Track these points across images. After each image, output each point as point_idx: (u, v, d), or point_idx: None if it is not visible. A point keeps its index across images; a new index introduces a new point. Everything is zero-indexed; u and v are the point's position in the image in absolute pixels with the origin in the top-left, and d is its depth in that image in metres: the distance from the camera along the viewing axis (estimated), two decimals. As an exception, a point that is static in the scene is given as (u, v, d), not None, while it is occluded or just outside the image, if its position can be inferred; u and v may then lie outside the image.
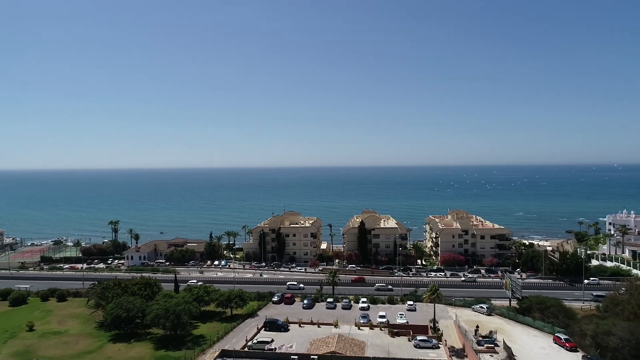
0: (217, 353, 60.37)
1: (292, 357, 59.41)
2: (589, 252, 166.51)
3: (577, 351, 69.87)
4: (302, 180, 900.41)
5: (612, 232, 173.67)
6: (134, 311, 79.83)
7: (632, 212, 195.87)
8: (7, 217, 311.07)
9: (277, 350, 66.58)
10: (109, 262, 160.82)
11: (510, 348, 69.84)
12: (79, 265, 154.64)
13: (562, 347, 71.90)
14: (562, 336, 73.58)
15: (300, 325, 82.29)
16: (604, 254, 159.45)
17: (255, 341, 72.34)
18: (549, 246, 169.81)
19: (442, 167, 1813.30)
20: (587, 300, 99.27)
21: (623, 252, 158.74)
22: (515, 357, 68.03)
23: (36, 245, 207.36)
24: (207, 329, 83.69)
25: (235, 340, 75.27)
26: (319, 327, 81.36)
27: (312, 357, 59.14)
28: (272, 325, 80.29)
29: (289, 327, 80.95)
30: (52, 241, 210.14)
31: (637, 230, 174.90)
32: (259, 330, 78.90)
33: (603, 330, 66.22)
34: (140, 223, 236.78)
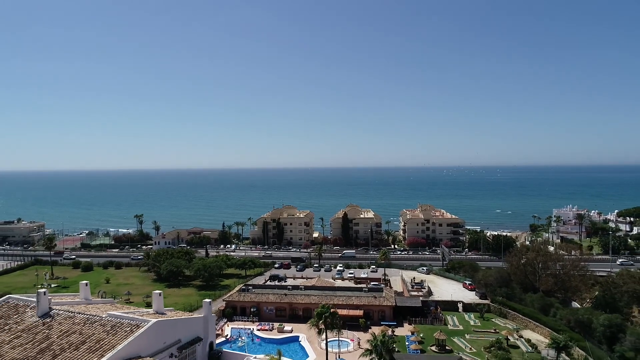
0: (241, 286, 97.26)
1: (288, 286, 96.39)
2: (532, 238, 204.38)
3: (474, 290, 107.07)
4: (298, 181, 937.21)
5: (552, 223, 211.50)
6: (181, 267, 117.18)
7: (575, 206, 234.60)
8: (36, 211, 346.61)
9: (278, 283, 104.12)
10: (139, 246, 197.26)
11: (430, 288, 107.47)
12: (114, 250, 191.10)
13: (466, 288, 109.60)
14: (468, 282, 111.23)
15: (294, 279, 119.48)
16: (545, 240, 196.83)
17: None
18: (512, 236, 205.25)
19: (439, 167, 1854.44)
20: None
21: (558, 239, 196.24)
22: (433, 294, 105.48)
23: (70, 236, 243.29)
24: (229, 282, 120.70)
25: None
26: (307, 280, 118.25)
27: (300, 287, 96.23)
28: (275, 278, 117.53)
29: (287, 280, 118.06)
30: (83, 232, 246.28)
31: (573, 221, 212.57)
32: (265, 281, 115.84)
33: (487, 275, 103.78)
34: (152, 218, 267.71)
